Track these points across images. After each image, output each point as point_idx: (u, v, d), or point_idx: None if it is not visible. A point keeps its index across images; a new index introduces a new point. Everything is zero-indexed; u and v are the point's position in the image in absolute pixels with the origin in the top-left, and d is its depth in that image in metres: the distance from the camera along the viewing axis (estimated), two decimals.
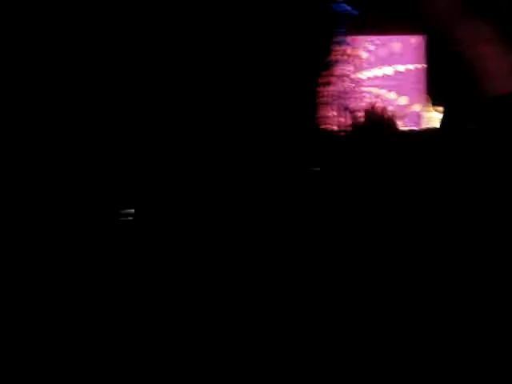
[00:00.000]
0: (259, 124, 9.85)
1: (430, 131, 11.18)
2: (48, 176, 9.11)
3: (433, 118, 11.19)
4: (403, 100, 11.78)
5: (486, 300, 4.87)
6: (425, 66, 12.15)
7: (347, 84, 10.49)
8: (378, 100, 11.31)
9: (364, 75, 10.90)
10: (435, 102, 11.30)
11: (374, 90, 11.54)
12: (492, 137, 10.67)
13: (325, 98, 11.19)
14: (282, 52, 10.36)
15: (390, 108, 11.51)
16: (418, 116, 11.76)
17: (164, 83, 9.69)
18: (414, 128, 11.24)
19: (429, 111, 11.21)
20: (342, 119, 10.42)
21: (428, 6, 11.73)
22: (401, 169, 9.45)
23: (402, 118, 11.02)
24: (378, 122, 11.10)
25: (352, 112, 10.38)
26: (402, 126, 11.36)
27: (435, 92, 11.59)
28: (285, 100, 10.15)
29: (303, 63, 10.51)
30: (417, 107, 11.77)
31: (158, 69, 9.69)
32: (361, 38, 10.67)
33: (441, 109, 11.25)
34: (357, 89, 10.37)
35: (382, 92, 11.71)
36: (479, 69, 12.37)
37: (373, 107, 10.71)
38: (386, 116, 11.27)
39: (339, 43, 10.48)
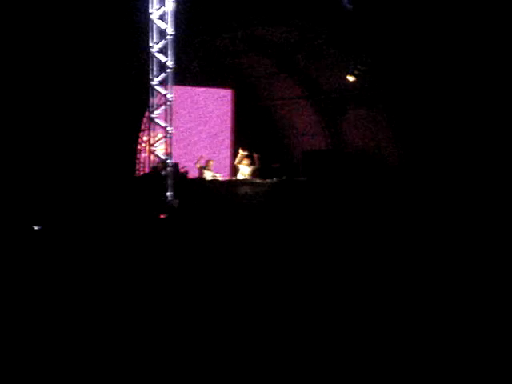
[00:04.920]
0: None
1: (237, 181, 11.62)
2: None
3: (242, 168, 11.52)
4: (213, 150, 12.20)
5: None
6: (233, 118, 12.74)
7: (159, 131, 10.66)
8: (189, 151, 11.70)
9: (177, 124, 11.15)
10: (245, 154, 11.65)
11: (186, 139, 11.89)
12: (304, 188, 11.04)
13: (140, 144, 11.40)
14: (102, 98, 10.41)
15: (201, 157, 11.86)
16: (229, 166, 12.16)
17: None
18: (223, 177, 11.60)
19: (239, 162, 11.53)
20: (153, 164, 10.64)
21: (238, 63, 12.21)
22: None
23: (210, 166, 11.31)
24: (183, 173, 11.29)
25: (160, 161, 10.57)
26: (212, 174, 11.71)
27: (245, 144, 11.99)
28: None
29: (123, 109, 10.61)
30: (227, 157, 12.22)
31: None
32: (176, 88, 10.88)
33: (248, 161, 11.63)
34: (168, 137, 10.54)
35: (193, 141, 12.08)
36: (288, 125, 12.95)
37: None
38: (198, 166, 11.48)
39: (155, 90, 10.60)
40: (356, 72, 11.07)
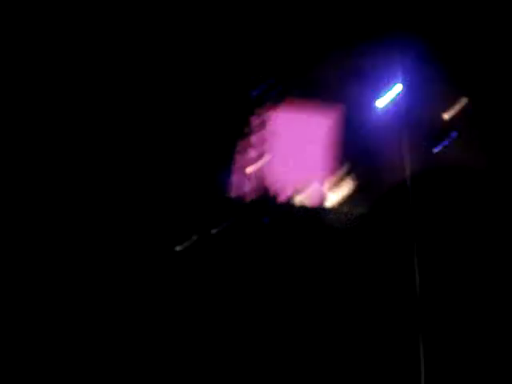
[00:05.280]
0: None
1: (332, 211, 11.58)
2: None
3: (338, 196, 11.52)
4: (310, 176, 12.14)
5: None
6: (338, 140, 12.54)
7: (259, 153, 10.85)
8: (285, 175, 11.72)
9: (275, 147, 11.23)
10: (345, 176, 11.64)
11: (282, 165, 11.88)
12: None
13: (238, 165, 11.54)
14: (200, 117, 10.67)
15: (297, 183, 11.86)
16: (322, 193, 12.12)
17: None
18: (315, 205, 11.58)
19: (336, 189, 11.56)
20: (250, 187, 10.78)
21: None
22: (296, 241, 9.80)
23: (306, 194, 11.37)
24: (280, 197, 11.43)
25: (259, 183, 10.74)
26: (304, 201, 11.72)
27: (347, 167, 11.92)
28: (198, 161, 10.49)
29: (220, 128, 10.83)
30: (322, 184, 12.15)
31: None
32: (276, 111, 11.00)
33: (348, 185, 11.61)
34: (266, 160, 10.72)
35: (289, 166, 12.07)
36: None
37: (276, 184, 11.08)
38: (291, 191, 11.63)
39: (256, 113, 10.84)
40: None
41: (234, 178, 11.53)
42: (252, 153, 10.81)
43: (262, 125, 10.73)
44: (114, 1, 9.56)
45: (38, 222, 7.77)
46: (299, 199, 11.39)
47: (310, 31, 10.98)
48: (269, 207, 10.57)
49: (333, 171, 12.65)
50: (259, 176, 10.60)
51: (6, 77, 9.05)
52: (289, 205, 11.30)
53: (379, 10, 11.07)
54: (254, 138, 10.79)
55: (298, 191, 11.43)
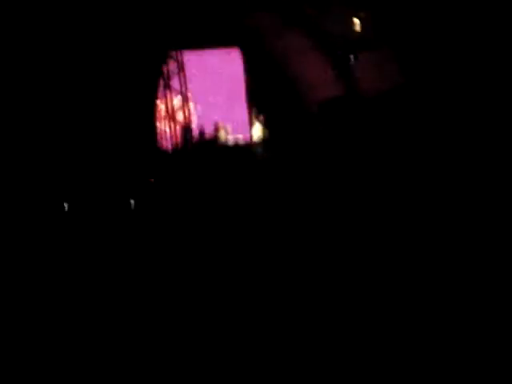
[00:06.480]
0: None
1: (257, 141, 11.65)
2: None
3: (257, 127, 11.60)
4: (229, 112, 12.21)
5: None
6: (244, 77, 12.65)
7: (178, 99, 10.73)
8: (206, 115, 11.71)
9: (191, 90, 11.17)
10: (257, 112, 11.71)
11: (202, 105, 11.91)
12: (324, 140, 11.04)
13: (159, 113, 11.45)
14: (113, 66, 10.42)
15: (218, 120, 11.89)
16: (246, 126, 12.18)
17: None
18: (243, 138, 11.66)
19: (254, 121, 11.62)
20: (174, 134, 10.71)
21: (245, 21, 12.11)
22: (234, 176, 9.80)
23: (229, 129, 11.39)
24: (209, 138, 11.46)
25: (184, 127, 10.66)
26: (232, 136, 11.77)
27: (257, 102, 11.98)
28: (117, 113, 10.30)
29: (135, 79, 10.63)
30: (243, 117, 12.21)
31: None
32: (185, 53, 10.90)
33: (262, 118, 11.69)
34: (186, 103, 10.61)
35: (209, 106, 12.11)
36: (300, 78, 12.80)
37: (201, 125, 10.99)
38: (216, 130, 11.63)
39: (168, 59, 10.67)
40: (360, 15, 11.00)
41: (163, 129, 11.46)
42: (175, 99, 10.69)
43: (180, 69, 10.60)
44: None
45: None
46: (227, 137, 11.39)
47: None
48: (207, 149, 10.52)
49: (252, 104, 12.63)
50: (188, 122, 10.50)
51: None
52: (220, 144, 11.29)
53: None
54: (173, 84, 10.64)
55: (223, 131, 11.42)
